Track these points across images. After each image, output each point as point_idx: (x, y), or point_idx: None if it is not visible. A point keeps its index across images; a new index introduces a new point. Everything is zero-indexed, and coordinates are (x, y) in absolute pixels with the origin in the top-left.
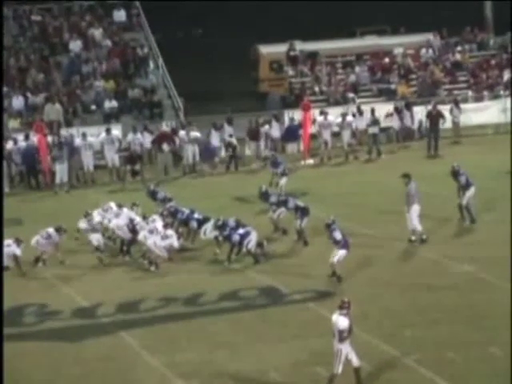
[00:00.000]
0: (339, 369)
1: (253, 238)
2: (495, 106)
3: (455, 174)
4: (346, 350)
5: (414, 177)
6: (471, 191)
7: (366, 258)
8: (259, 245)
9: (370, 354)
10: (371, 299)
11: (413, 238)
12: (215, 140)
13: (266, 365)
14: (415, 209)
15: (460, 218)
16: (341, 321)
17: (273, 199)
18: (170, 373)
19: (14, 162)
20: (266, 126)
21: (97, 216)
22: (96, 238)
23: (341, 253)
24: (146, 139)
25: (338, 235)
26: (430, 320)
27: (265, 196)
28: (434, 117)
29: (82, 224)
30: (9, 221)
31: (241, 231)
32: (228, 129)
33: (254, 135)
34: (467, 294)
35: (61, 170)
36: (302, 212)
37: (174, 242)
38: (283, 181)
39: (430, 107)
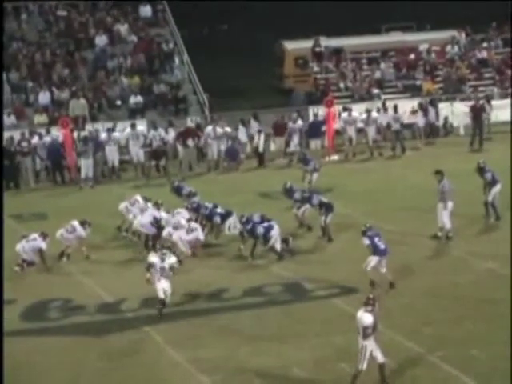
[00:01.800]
0: (364, 365)
1: (275, 233)
2: None
3: (481, 171)
4: (371, 346)
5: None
6: (497, 188)
7: (390, 254)
8: (284, 241)
9: (393, 350)
10: (394, 296)
11: (439, 233)
12: (242, 135)
13: (289, 361)
14: (449, 206)
15: (485, 215)
16: (365, 317)
17: (297, 196)
18: (193, 368)
19: (39, 156)
20: (299, 122)
21: (123, 209)
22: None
23: (372, 259)
24: (171, 135)
25: (366, 241)
26: (454, 317)
27: (289, 192)
28: (478, 111)
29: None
30: (34, 215)
31: (265, 224)
32: (254, 124)
33: (280, 130)
34: (490, 291)
35: (86, 165)
36: (327, 208)
37: (200, 234)
38: (314, 177)
39: (471, 102)
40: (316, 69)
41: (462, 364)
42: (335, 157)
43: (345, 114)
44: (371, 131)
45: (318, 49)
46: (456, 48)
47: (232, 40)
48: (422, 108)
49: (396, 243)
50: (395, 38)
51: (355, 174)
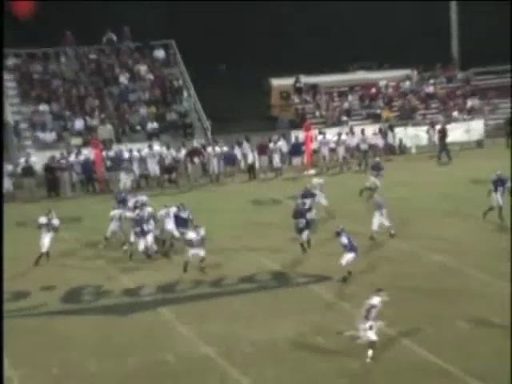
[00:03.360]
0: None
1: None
2: (460, 127)
3: (499, 181)
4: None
5: (398, 183)
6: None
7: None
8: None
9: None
10: (361, 284)
11: (374, 235)
12: (238, 153)
13: (276, 335)
14: (384, 212)
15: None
16: (374, 300)
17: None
18: (199, 340)
19: (75, 171)
20: (280, 143)
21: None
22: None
23: (349, 256)
24: (181, 154)
25: (344, 240)
26: (407, 299)
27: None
28: (443, 133)
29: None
30: (70, 219)
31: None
32: (246, 145)
33: (263, 150)
34: (440, 280)
35: (124, 179)
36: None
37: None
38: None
39: (439, 126)
40: (297, 100)
41: (415, 336)
42: (312, 171)
43: (320, 137)
44: (341, 150)
45: (298, 84)
46: (408, 83)
47: (229, 77)
48: (382, 132)
49: (362, 240)
50: (360, 75)
51: (329, 184)
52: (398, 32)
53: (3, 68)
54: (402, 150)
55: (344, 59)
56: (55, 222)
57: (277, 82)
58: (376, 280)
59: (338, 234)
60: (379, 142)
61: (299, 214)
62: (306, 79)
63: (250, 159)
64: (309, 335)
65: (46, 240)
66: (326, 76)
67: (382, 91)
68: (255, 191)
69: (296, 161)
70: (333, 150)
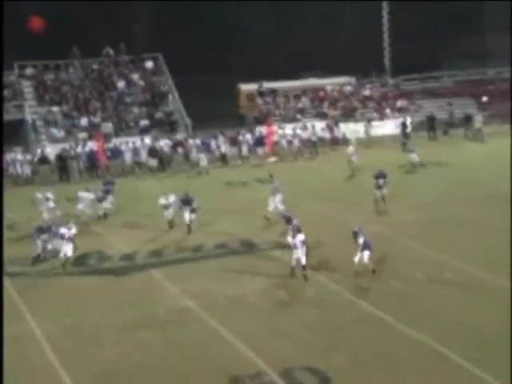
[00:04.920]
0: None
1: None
2: (391, 123)
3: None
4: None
5: (339, 168)
6: None
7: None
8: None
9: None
10: (319, 257)
11: (269, 216)
12: (213, 145)
13: (246, 291)
14: (278, 197)
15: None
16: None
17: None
18: (184, 296)
19: (82, 160)
20: (247, 136)
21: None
22: (170, 213)
23: (365, 253)
24: (167, 145)
25: (361, 240)
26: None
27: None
28: (404, 125)
29: (162, 201)
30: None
31: None
32: (221, 138)
33: (234, 142)
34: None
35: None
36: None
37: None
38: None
39: (402, 120)
40: (260, 102)
41: (357, 292)
42: (273, 158)
43: (280, 131)
44: (296, 142)
45: (261, 89)
46: (350, 88)
47: (207, 83)
48: (328, 127)
49: (313, 220)
50: (311, 82)
51: (287, 169)
52: (341, 46)
53: (3, 69)
54: (345, 141)
55: (298, 68)
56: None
57: (244, 87)
58: (329, 252)
59: (356, 234)
60: (326, 135)
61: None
62: (267, 85)
63: (222, 149)
64: (273, 291)
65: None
66: (283, 82)
67: (329, 94)
68: (227, 175)
69: (260, 150)
70: (290, 142)
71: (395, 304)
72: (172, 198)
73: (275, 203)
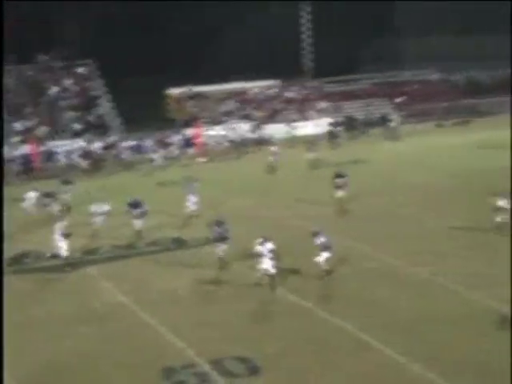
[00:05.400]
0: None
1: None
2: (309, 124)
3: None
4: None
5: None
6: None
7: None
8: None
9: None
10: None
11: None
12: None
13: (176, 285)
14: (192, 199)
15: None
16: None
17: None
18: (117, 290)
19: (16, 163)
20: (177, 137)
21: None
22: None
23: (324, 255)
24: (98, 147)
25: (320, 241)
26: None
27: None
28: (335, 125)
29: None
30: (16, 200)
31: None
32: (149, 140)
33: (162, 144)
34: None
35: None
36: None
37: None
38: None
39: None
40: (189, 105)
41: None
42: (203, 159)
43: (206, 132)
44: (224, 143)
45: (190, 93)
46: (274, 90)
47: (138, 89)
48: (254, 128)
49: (237, 215)
50: (237, 85)
51: (215, 168)
52: (266, 51)
53: (3, 69)
54: (269, 141)
55: (224, 73)
56: None
57: (174, 91)
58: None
59: (316, 235)
60: (252, 136)
61: None
62: (195, 89)
63: (153, 151)
64: (202, 284)
65: None
66: (210, 86)
67: (254, 97)
68: (158, 175)
69: (189, 151)
70: (218, 143)
71: (321, 295)
72: (106, 207)
73: (192, 202)
